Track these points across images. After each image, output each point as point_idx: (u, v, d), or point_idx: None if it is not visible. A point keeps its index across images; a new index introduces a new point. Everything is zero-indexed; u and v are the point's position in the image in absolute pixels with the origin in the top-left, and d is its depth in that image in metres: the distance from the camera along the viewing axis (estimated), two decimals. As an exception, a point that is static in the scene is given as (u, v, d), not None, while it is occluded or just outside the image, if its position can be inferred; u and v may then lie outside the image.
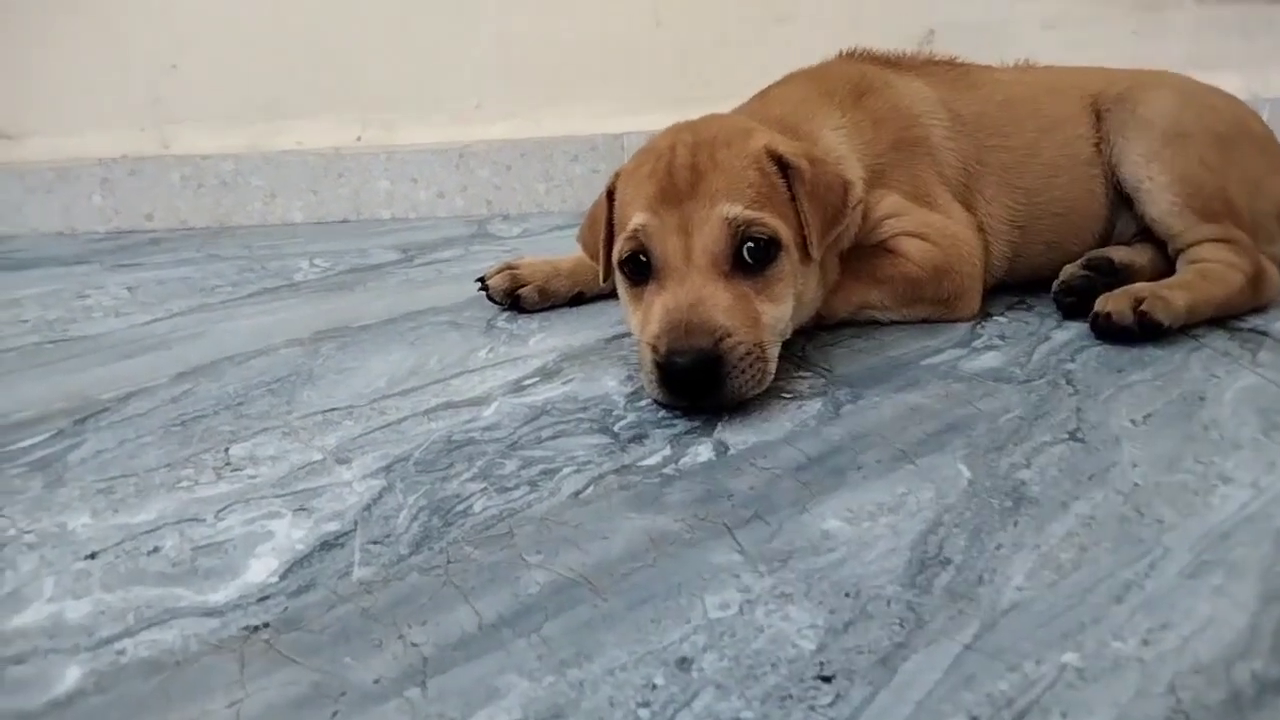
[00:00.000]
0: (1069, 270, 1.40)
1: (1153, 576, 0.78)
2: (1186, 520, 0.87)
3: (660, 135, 1.27)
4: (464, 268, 1.83)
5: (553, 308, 1.55)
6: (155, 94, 2.26)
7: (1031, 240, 1.45)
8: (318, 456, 1.07)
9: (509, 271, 1.53)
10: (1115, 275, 1.39)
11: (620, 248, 1.20)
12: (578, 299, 1.56)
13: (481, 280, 1.55)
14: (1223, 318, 1.34)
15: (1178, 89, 1.49)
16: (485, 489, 0.97)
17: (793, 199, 1.19)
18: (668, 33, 2.21)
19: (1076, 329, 1.35)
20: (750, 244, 1.14)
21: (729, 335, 1.08)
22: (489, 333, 1.45)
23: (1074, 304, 1.38)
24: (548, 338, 1.42)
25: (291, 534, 0.90)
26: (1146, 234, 1.47)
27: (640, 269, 1.18)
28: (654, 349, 1.10)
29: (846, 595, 0.77)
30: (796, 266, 1.19)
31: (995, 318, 1.42)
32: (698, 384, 1.07)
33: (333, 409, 1.19)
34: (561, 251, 1.63)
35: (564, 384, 1.24)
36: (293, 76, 2.24)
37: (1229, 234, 1.38)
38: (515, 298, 1.52)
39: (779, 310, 1.17)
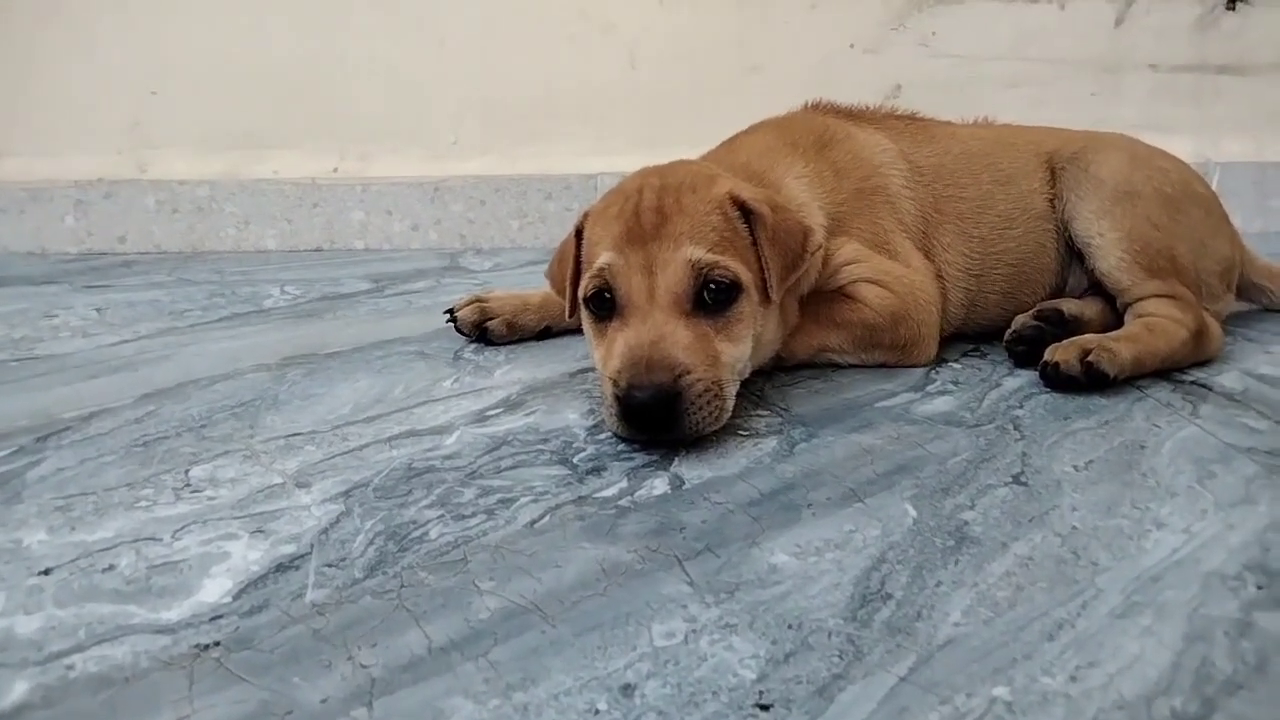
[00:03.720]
0: (1020, 320, 1.45)
1: (1084, 616, 0.81)
2: (1120, 563, 0.90)
3: (629, 178, 1.31)
4: (434, 299, 1.85)
5: (520, 341, 1.57)
6: (134, 118, 2.27)
7: (986, 290, 1.50)
8: (278, 480, 1.08)
9: (478, 304, 1.55)
10: (1065, 326, 1.44)
11: (586, 284, 1.22)
12: (545, 333, 1.59)
13: (450, 312, 1.57)
14: (1166, 370, 1.39)
15: (1128, 150, 1.55)
16: (442, 516, 0.99)
17: (754, 243, 1.23)
18: (643, 76, 2.27)
19: (1027, 377, 1.39)
20: (712, 286, 1.18)
21: (688, 372, 1.11)
22: (455, 363, 1.47)
23: (1025, 353, 1.42)
24: (513, 370, 1.44)
25: (247, 555, 0.91)
26: (1096, 288, 1.52)
27: (605, 305, 1.21)
28: (615, 383, 1.12)
29: (789, 627, 0.79)
30: (756, 309, 1.22)
31: (950, 364, 1.46)
32: (656, 418, 1.10)
33: (295, 434, 1.21)
34: (532, 286, 1.66)
35: (526, 415, 1.26)
36: (272, 106, 2.27)
37: (1174, 290, 1.43)
38: (483, 330, 1.54)
39: (738, 350, 1.20)
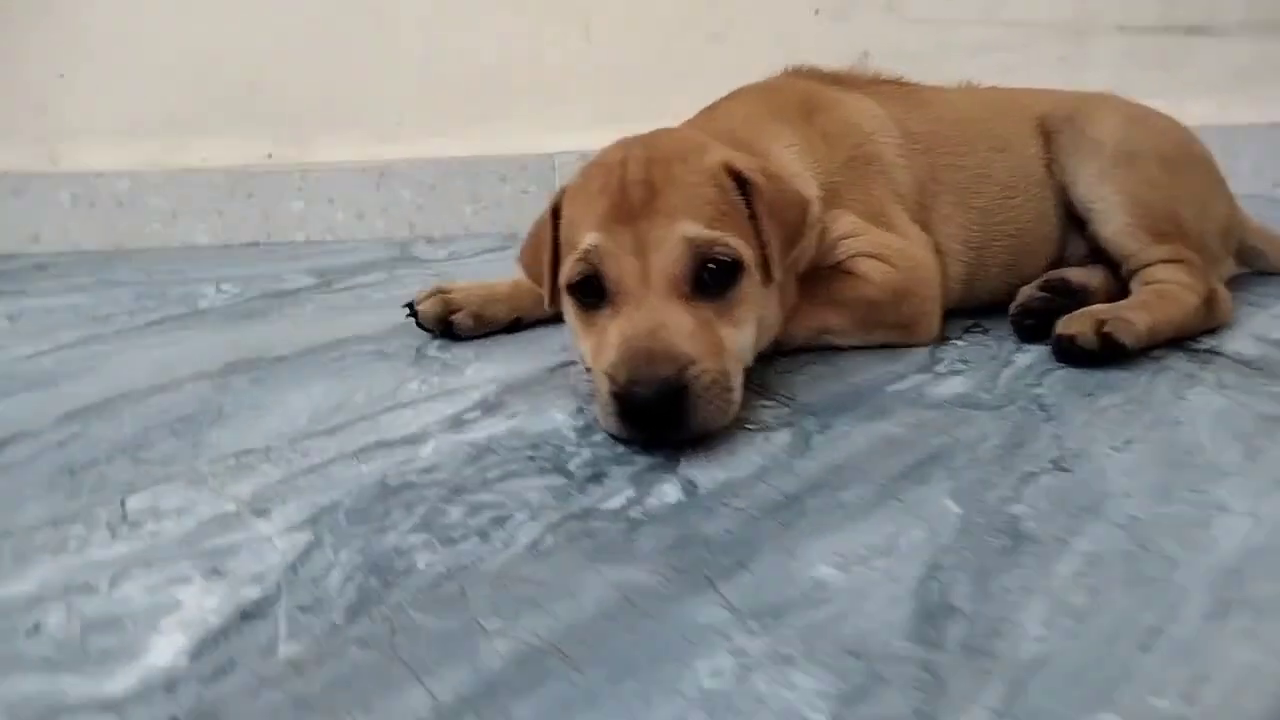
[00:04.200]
0: (1026, 292, 1.36)
1: (1175, 620, 0.72)
2: (1193, 555, 0.81)
3: (609, 149, 1.19)
4: (388, 293, 1.70)
5: (489, 334, 1.44)
6: (41, 104, 2.07)
7: (987, 262, 1.41)
8: (231, 508, 0.94)
9: (441, 296, 1.42)
10: (1073, 297, 1.35)
11: (570, 270, 1.10)
12: (515, 325, 1.46)
13: (410, 305, 1.43)
14: (1179, 339, 1.32)
15: (1123, 110, 1.48)
16: (429, 541, 0.86)
17: (751, 217, 1.12)
18: (599, 48, 2.14)
19: (1036, 352, 1.30)
20: (711, 265, 1.06)
21: (693, 363, 0.99)
22: (420, 363, 1.34)
23: (1032, 327, 1.34)
24: (485, 367, 1.31)
25: (203, 602, 0.78)
26: (1097, 255, 1.44)
27: (592, 292, 1.09)
28: (611, 379, 1.00)
29: (853, 655, 0.69)
30: (758, 289, 1.11)
31: (954, 342, 1.36)
32: (661, 416, 0.98)
33: (247, 451, 1.06)
34: (492, 275, 1.53)
35: (508, 418, 1.14)
36: (197, 88, 2.09)
37: (1181, 255, 1.36)
38: (448, 324, 1.41)
39: (742, 335, 1.09)
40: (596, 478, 0.98)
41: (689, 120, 1.41)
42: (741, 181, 1.12)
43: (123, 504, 0.95)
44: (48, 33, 2.04)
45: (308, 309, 1.62)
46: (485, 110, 2.15)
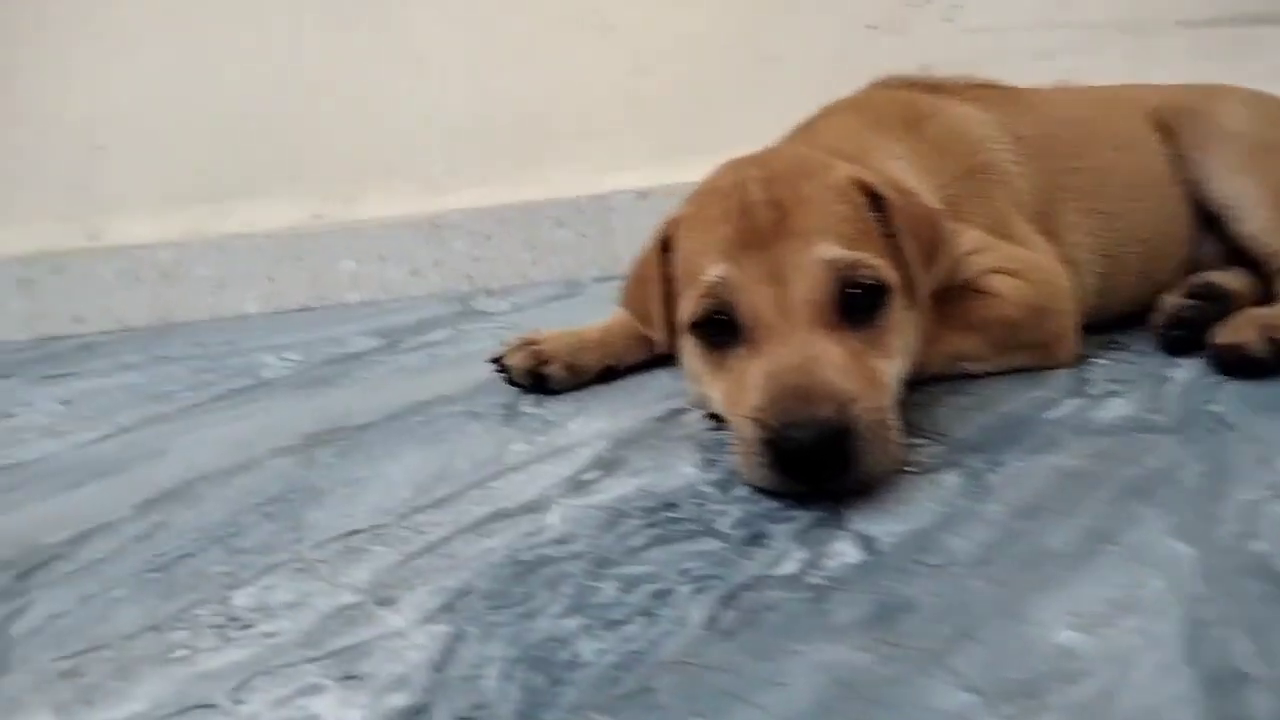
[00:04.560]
0: (1173, 301, 1.25)
1: None
2: None
3: (716, 174, 1.09)
4: (460, 349, 1.60)
5: (581, 386, 1.33)
6: (80, 179, 1.99)
7: (1120, 270, 1.30)
8: (351, 598, 0.82)
9: (530, 348, 1.31)
10: (1221, 303, 1.24)
11: (694, 307, 0.99)
12: (607, 374, 1.35)
13: (496, 360, 1.32)
14: (1341, 342, 1.20)
15: (1244, 99, 1.38)
16: (588, 626, 0.75)
17: (886, 235, 1.02)
18: (649, 80, 2.05)
19: (1192, 366, 1.18)
20: (855, 289, 0.95)
21: (854, 400, 0.88)
22: (516, 421, 1.23)
23: (1182, 338, 1.22)
24: (589, 421, 1.20)
25: (344, 716, 0.66)
26: (1234, 256, 1.33)
27: (722, 330, 0.98)
28: (759, 424, 0.89)
29: (1153, 742, 0.57)
30: (905, 314, 1.01)
31: (1095, 361, 1.25)
32: (823, 464, 0.87)
33: (353, 532, 0.95)
34: (558, 324, 1.41)
35: (632, 476, 1.02)
36: (238, 150, 2.01)
37: (1332, 250, 1.25)
38: (539, 377, 1.30)
39: (894, 366, 0.98)
40: (756, 539, 0.86)
41: (784, 139, 1.31)
42: (874, 197, 1.02)
43: (226, 601, 0.84)
44: (83, 105, 1.97)
45: (379, 371, 1.51)
46: (535, 153, 2.06)
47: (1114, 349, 1.29)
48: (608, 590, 0.80)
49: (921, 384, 1.19)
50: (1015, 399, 1.13)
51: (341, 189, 2.06)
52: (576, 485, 1.01)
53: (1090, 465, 0.94)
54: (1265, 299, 1.26)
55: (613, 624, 0.74)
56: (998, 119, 1.31)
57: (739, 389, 0.95)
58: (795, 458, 0.87)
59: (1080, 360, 1.24)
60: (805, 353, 0.91)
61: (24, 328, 1.99)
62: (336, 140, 2.03)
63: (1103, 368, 1.22)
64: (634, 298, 1.15)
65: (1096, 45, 2.16)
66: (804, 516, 0.89)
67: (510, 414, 1.25)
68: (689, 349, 1.04)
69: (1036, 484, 0.91)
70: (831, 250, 0.95)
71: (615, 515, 0.93)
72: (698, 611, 0.75)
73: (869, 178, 1.02)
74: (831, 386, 0.88)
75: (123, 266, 1.99)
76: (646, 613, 0.76)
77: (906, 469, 0.97)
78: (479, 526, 0.94)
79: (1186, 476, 0.90)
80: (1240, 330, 1.13)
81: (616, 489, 0.99)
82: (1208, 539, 0.78)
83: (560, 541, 0.89)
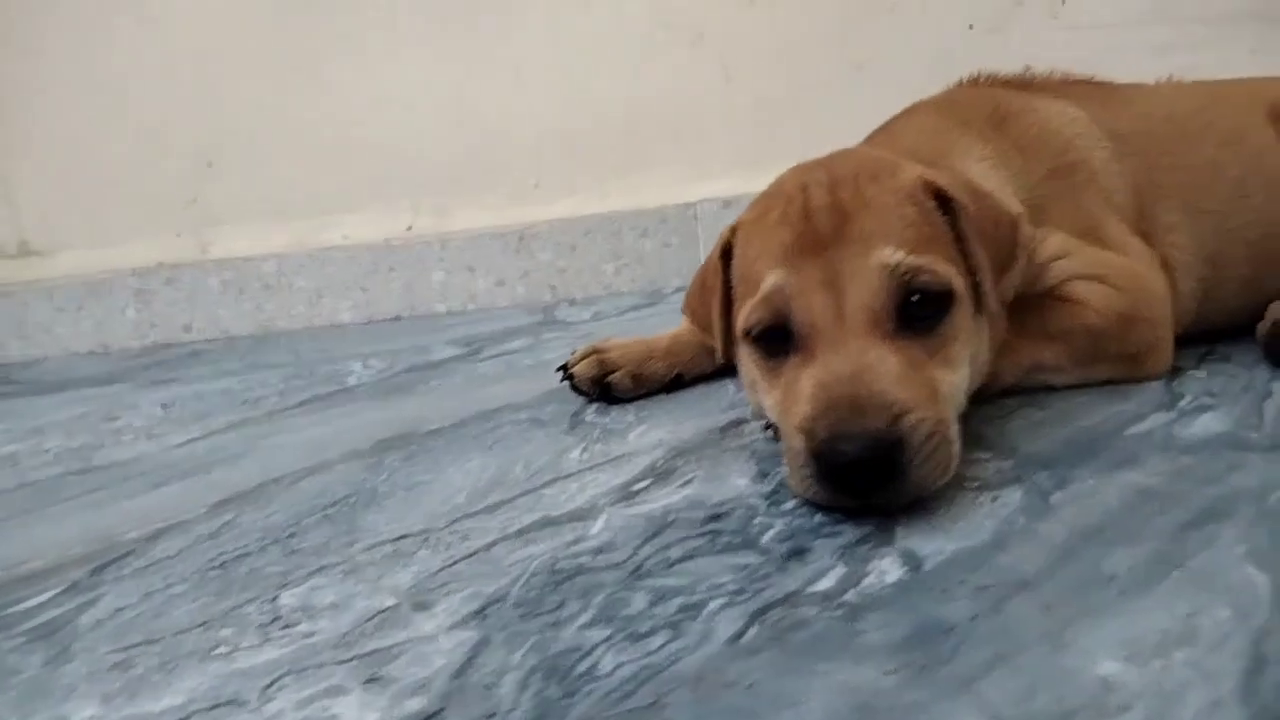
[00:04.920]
0: (1279, 309, 1.15)
1: None
2: None
3: (783, 177, 1.07)
4: (537, 358, 1.61)
5: (648, 395, 1.32)
6: (191, 194, 2.11)
7: (1224, 276, 1.21)
8: (390, 601, 0.84)
9: (596, 356, 1.31)
10: (1337, 313, 1.14)
11: (750, 315, 0.97)
12: (675, 383, 1.34)
13: (564, 368, 1.33)
14: None
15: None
16: (611, 637, 0.73)
17: (957, 240, 0.97)
18: (738, 88, 2.03)
19: (1301, 379, 1.09)
20: (917, 296, 0.91)
21: (907, 411, 0.84)
22: (578, 429, 1.23)
23: (1290, 349, 1.13)
24: (649, 430, 1.19)
25: (362, 718, 0.67)
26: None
27: (778, 339, 0.95)
28: (808, 435, 0.86)
29: (1191, 789, 0.51)
30: (971, 322, 0.96)
31: (1190, 373, 1.16)
32: (872, 477, 0.83)
33: (404, 536, 0.97)
34: (639, 334, 1.41)
35: (683, 486, 1.01)
36: (336, 165, 2.09)
37: None
38: (605, 386, 1.30)
39: (956, 377, 0.93)
40: (797, 553, 0.83)
41: (864, 141, 1.27)
42: (944, 200, 0.97)
43: (275, 601, 0.86)
44: (193, 124, 2.09)
45: (456, 379, 1.54)
46: (622, 162, 2.06)
47: (1214, 360, 1.20)
48: (638, 602, 0.78)
49: (998, 396, 1.14)
50: (1097, 413, 1.06)
51: (433, 201, 2.11)
52: (626, 494, 1.00)
53: (1168, 484, 0.88)
54: (1392, 307, 1.15)
55: (638, 637, 0.73)
56: (1092, 115, 1.24)
57: (791, 399, 0.92)
58: (842, 471, 0.83)
59: (1174, 372, 1.16)
60: (859, 362, 0.87)
61: (138, 337, 2.12)
62: (429, 153, 2.08)
63: (1198, 380, 1.13)
64: (695, 305, 1.13)
65: (1219, 39, 2.02)
66: (851, 531, 0.86)
67: (574, 422, 1.25)
68: (745, 357, 1.02)
69: (1105, 503, 0.85)
70: (893, 255, 0.91)
71: (659, 525, 0.92)
72: (724, 626, 0.73)
73: (940, 180, 0.98)
74: (884, 397, 0.84)
75: (228, 278, 2.09)
76: (673, 626, 0.74)
77: (966, 484, 0.93)
78: (524, 533, 0.94)
79: (1273, 499, 0.82)
80: (1357, 340, 1.04)
81: (665, 499, 0.98)
82: (1288, 567, 0.72)
83: (600, 550, 0.88)
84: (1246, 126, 1.24)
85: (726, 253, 1.05)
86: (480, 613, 0.80)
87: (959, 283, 0.93)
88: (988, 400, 1.13)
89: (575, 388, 1.31)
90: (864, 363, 0.87)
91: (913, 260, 0.91)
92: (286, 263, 2.08)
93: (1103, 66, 1.93)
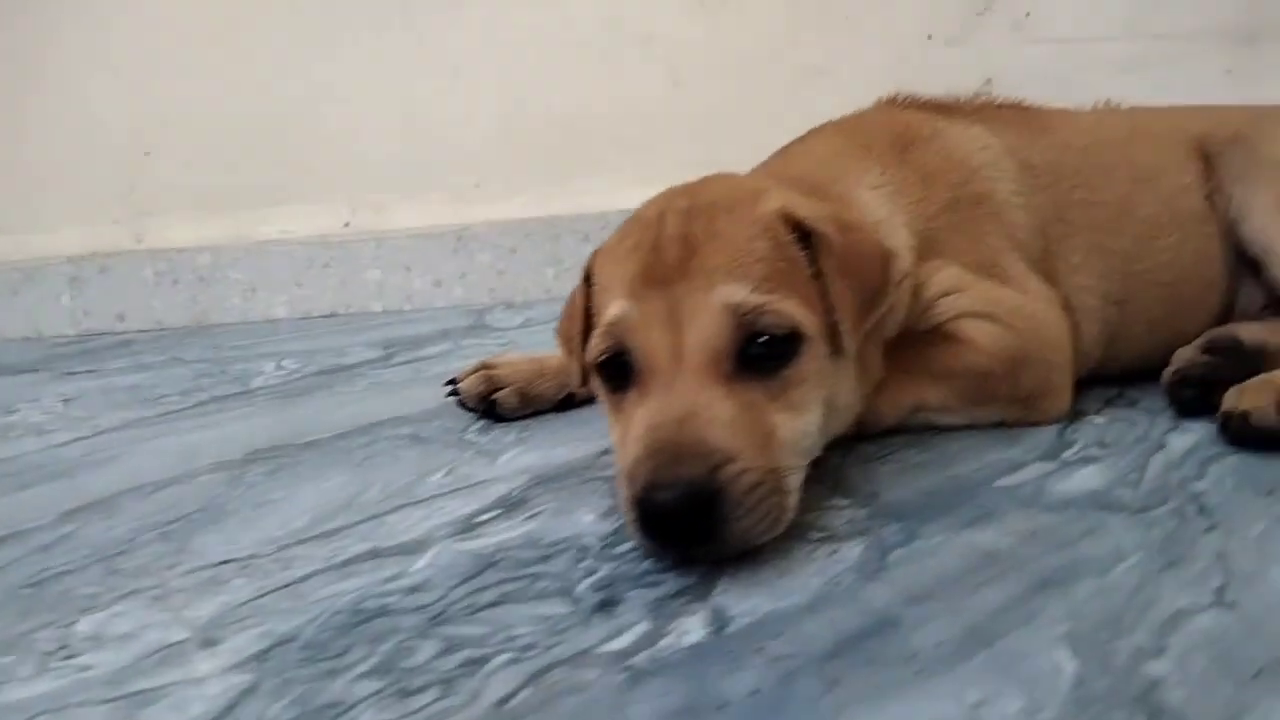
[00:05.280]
0: (1185, 355, 1.09)
1: None
2: None
3: (652, 200, 1.02)
4: (448, 366, 1.57)
5: (536, 414, 1.28)
6: (129, 183, 2.09)
7: (1132, 318, 1.15)
8: (181, 635, 0.80)
9: (485, 372, 1.27)
10: (1246, 360, 1.07)
11: (595, 346, 0.93)
12: (567, 402, 1.29)
13: (453, 382, 1.29)
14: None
15: (1308, 125, 1.19)
16: (382, 691, 0.69)
17: (818, 276, 0.92)
18: (686, 93, 1.97)
19: (1200, 431, 1.04)
20: (762, 337, 0.86)
21: (730, 460, 0.79)
22: (454, 448, 1.19)
23: (1194, 398, 1.06)
24: (523, 454, 1.15)
25: (94, 769, 0.63)
26: (1277, 307, 1.16)
27: (622, 372, 0.91)
28: (630, 480, 0.82)
29: None
30: (825, 364, 0.91)
31: (1090, 418, 1.11)
32: (687, 528, 0.78)
33: (227, 561, 0.93)
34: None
35: (528, 519, 0.97)
36: (274, 159, 2.06)
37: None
38: (491, 403, 1.26)
39: (802, 422, 0.88)
40: (607, 605, 0.79)
41: (762, 164, 1.22)
42: (804, 233, 0.92)
43: (71, 626, 0.83)
44: (132, 113, 2.06)
45: (358, 386, 1.50)
46: (566, 166, 2.02)
47: (1119, 405, 1.14)
48: (425, 651, 0.74)
49: (878, 436, 1.09)
50: (975, 459, 1.01)
51: (371, 198, 2.08)
52: (467, 526, 0.96)
53: (1017, 547, 0.83)
54: (1314, 357, 1.09)
55: (407, 693, 0.69)
56: (1006, 144, 1.18)
57: (626, 438, 0.88)
58: (659, 521, 0.79)
59: (1071, 417, 1.10)
60: (689, 405, 0.83)
61: (72, 324, 2.10)
62: (368, 149, 2.05)
63: (1094, 427, 1.08)
64: (564, 330, 1.09)
65: (1190, 57, 1.95)
66: (672, 583, 0.81)
67: (453, 441, 1.22)
68: (598, 389, 0.98)
69: (942, 566, 0.80)
70: (735, 294, 0.86)
71: (485, 564, 0.88)
72: (497, 687, 0.69)
73: (801, 211, 0.93)
74: (706, 445, 0.80)
75: (162, 268, 2.07)
76: (446, 682, 0.70)
77: (811, 535, 0.88)
78: (346, 565, 0.90)
79: (1119, 571, 0.77)
80: (1252, 395, 0.98)
81: (504, 533, 0.94)
82: (1100, 653, 0.66)
83: (413, 590, 0.84)
84: (1165, 161, 1.18)
85: (588, 278, 1.00)
86: (264, 654, 0.76)
87: (809, 323, 0.88)
88: (870, 439, 1.09)
89: (461, 403, 1.27)
90: (693, 406, 0.82)
91: (756, 299, 0.86)
92: (221, 255, 2.05)
93: (1067, 83, 1.86)
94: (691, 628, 0.74)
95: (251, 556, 0.94)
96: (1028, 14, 1.91)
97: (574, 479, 1.06)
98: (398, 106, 2.03)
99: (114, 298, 2.08)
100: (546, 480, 1.06)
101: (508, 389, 1.25)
